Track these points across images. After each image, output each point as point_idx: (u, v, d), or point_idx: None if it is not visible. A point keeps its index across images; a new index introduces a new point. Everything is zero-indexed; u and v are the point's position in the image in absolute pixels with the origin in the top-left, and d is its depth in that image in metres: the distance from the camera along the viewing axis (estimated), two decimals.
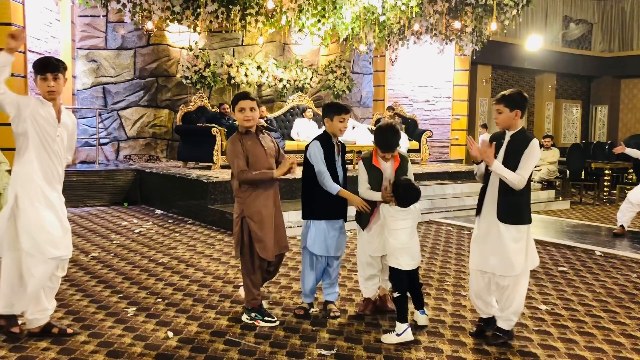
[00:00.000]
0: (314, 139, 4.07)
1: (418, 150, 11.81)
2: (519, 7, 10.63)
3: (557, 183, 11.36)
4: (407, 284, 3.74)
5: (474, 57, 13.34)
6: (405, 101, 14.25)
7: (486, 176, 3.67)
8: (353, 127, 10.90)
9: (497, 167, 3.48)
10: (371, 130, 10.94)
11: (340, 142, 4.15)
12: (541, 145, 12.15)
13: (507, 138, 3.62)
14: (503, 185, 3.52)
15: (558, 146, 13.18)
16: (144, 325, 3.78)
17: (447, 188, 9.47)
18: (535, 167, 12.24)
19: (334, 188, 3.91)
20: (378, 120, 11.93)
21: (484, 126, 13.27)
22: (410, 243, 3.71)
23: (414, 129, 12.35)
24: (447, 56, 13.42)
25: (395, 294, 3.67)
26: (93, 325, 3.76)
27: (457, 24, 11.35)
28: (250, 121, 3.84)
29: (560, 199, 10.43)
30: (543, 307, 4.33)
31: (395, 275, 3.72)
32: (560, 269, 5.54)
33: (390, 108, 12.05)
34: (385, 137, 3.84)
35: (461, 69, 13.96)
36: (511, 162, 3.50)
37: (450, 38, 11.92)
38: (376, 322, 3.96)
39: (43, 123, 3.40)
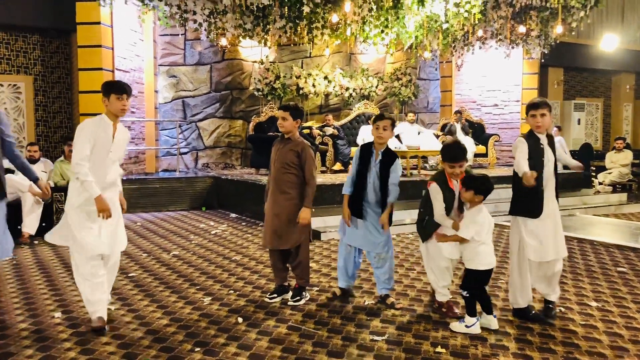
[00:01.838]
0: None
1: (485, 154, 11.85)
2: (586, 8, 10.49)
3: (633, 186, 11.06)
4: (482, 284, 3.89)
5: (543, 60, 13.20)
6: (473, 106, 14.27)
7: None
8: (419, 133, 11.12)
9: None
10: (437, 136, 11.13)
11: (384, 151, 4.43)
12: (613, 148, 11.90)
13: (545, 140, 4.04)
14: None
15: (636, 149, 12.79)
16: (218, 312, 4.26)
17: None
18: (607, 169, 11.97)
19: (344, 190, 4.54)
20: (444, 126, 12.08)
21: (559, 128, 13.10)
22: (489, 242, 3.86)
23: (481, 133, 12.40)
24: (515, 60, 13.35)
25: (465, 293, 3.87)
26: (174, 312, 4.28)
27: (522, 28, 11.34)
28: (281, 127, 4.48)
29: (634, 202, 10.17)
30: (594, 303, 4.46)
31: (472, 276, 3.87)
32: (620, 269, 5.58)
33: (457, 112, 12.17)
34: (452, 151, 4.06)
35: (530, 72, 13.83)
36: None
37: (516, 42, 11.90)
38: (427, 314, 4.24)
39: (101, 141, 3.97)
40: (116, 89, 3.99)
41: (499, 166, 12.56)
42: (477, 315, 3.83)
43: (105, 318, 3.94)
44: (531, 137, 4.04)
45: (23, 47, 10.28)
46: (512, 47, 12.29)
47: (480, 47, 12.48)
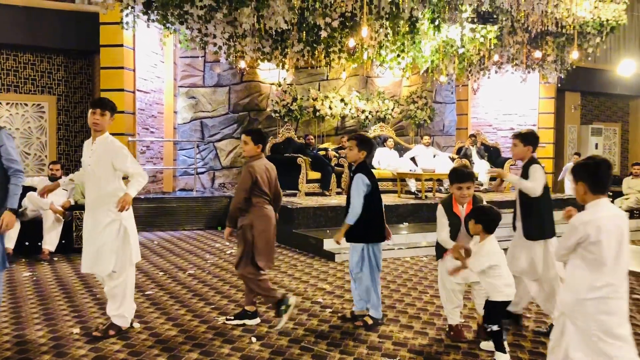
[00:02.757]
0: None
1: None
2: (602, 34, 10.55)
3: None
4: (504, 316, 3.81)
5: (560, 84, 13.23)
6: (489, 129, 14.30)
7: None
8: (434, 156, 11.17)
9: None
10: (452, 159, 11.16)
11: (353, 169, 4.57)
12: (630, 173, 11.82)
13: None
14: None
15: None
16: (232, 332, 4.32)
17: None
18: (624, 195, 11.82)
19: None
20: (460, 149, 12.12)
21: (578, 154, 13.05)
22: (505, 272, 3.76)
23: (496, 157, 12.41)
24: (532, 84, 13.40)
25: (495, 327, 3.70)
26: (189, 330, 4.35)
27: (538, 53, 11.41)
28: (243, 152, 4.68)
29: None
30: None
31: (492, 308, 3.75)
32: (635, 296, 5.54)
33: (472, 136, 12.22)
34: (459, 172, 4.15)
35: (546, 96, 13.86)
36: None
37: (532, 67, 11.97)
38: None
39: (84, 157, 4.23)
40: (90, 104, 4.23)
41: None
42: (506, 352, 3.70)
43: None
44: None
45: (48, 68, 10.57)
46: (529, 72, 12.36)
47: (496, 72, 12.56)
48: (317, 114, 11.76)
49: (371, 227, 4.48)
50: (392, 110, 12.45)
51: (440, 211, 4.17)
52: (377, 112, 12.25)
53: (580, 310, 2.81)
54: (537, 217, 4.41)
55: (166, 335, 4.23)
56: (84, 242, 4.21)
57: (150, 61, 11.03)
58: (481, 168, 11.50)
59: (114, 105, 4.29)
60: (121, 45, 9.77)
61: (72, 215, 7.51)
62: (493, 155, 12.46)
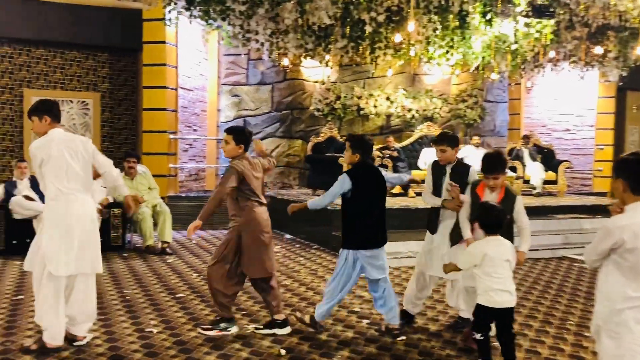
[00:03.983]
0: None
1: (555, 182, 11.19)
2: None
3: None
4: (489, 326, 3.47)
5: (621, 83, 12.43)
6: (543, 130, 13.62)
7: None
8: None
9: None
10: None
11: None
12: None
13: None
14: None
15: None
16: (261, 342, 4.06)
17: (585, 222, 8.86)
18: None
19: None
20: (511, 150, 11.54)
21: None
22: (498, 280, 3.39)
23: (551, 159, 11.74)
24: (590, 82, 12.65)
25: (478, 336, 3.44)
26: (215, 337, 4.11)
27: (598, 49, 10.71)
28: (224, 152, 4.36)
29: None
30: None
31: (478, 312, 3.47)
32: None
33: (525, 137, 11.62)
34: (489, 160, 3.87)
35: (606, 95, 13.08)
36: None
37: (592, 64, 11.26)
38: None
39: None
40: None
41: (570, 194, 11.84)
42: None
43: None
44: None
45: (93, 65, 10.63)
46: (587, 69, 11.64)
47: (551, 69, 11.90)
48: (361, 112, 11.41)
49: (351, 232, 4.22)
50: (440, 109, 11.96)
51: (467, 191, 4.08)
52: (424, 110, 11.79)
53: (615, 322, 2.52)
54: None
55: (191, 343, 4.00)
56: None
57: (194, 59, 10.95)
58: (534, 170, 10.90)
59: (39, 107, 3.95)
60: (163, 42, 9.71)
61: (110, 213, 7.43)
62: (547, 157, 11.78)
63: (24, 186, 7.21)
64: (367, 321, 4.61)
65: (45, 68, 10.32)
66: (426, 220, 4.55)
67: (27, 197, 7.02)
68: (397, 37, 9.19)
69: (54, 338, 3.74)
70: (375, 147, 10.88)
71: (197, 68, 11.08)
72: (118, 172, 4.22)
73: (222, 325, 4.18)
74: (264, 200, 4.35)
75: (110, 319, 4.50)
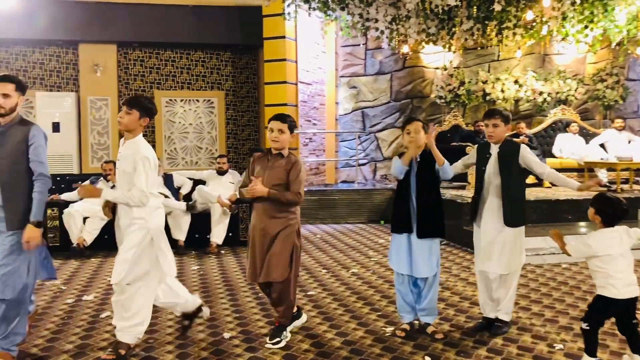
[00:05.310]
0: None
1: None
2: None
3: None
4: (607, 318, 3.33)
5: None
6: None
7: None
8: (629, 142, 9.60)
9: None
10: None
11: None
12: None
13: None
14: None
15: None
16: (402, 347, 3.79)
17: None
18: None
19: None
20: None
21: None
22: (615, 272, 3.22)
23: None
24: None
25: (584, 325, 3.27)
26: (354, 341, 3.91)
27: None
28: (275, 142, 3.79)
29: None
30: None
31: (602, 305, 3.26)
32: None
33: None
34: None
35: None
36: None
37: None
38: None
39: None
40: (122, 101, 3.73)
41: None
42: (596, 356, 3.28)
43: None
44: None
45: (216, 64, 10.92)
46: None
47: None
48: (487, 98, 10.74)
49: (393, 215, 4.08)
50: (576, 90, 10.96)
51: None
52: (557, 93, 10.86)
53: None
54: None
55: (330, 345, 3.83)
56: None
57: (312, 52, 10.91)
58: None
59: (149, 105, 3.68)
60: (283, 37, 9.74)
61: (239, 209, 7.54)
62: None
63: (158, 184, 7.50)
64: (516, 326, 4.19)
65: (173, 69, 10.77)
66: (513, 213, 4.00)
67: (161, 194, 7.28)
68: (529, 15, 8.47)
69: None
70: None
71: (315, 61, 11.03)
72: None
73: (285, 333, 3.92)
74: None
75: (246, 318, 4.45)
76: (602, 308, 3.25)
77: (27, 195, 3.37)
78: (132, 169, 3.52)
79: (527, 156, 3.97)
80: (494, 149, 4.03)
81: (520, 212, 3.98)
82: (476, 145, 4.31)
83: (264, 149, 3.87)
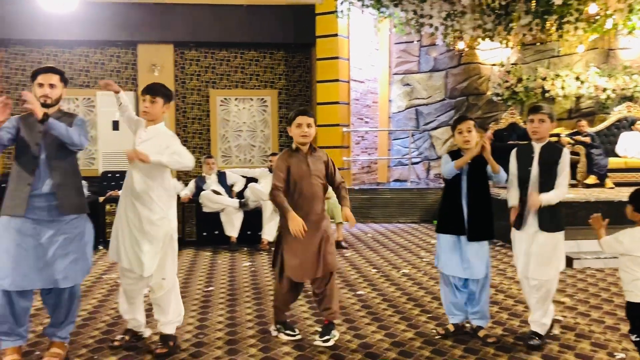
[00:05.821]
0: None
1: None
2: None
3: None
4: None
5: None
6: None
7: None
8: None
9: None
10: None
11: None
12: None
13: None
14: None
15: None
16: (452, 350, 3.70)
17: None
18: None
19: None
20: None
21: None
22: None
23: None
24: None
25: (634, 337, 3.12)
26: (403, 343, 3.84)
27: None
28: (307, 137, 3.74)
29: None
30: None
31: (633, 310, 3.15)
32: None
33: None
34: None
35: None
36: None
37: None
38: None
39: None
40: (142, 90, 3.73)
41: None
42: None
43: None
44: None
45: (270, 63, 11.02)
46: None
47: None
48: (546, 95, 10.36)
49: (441, 215, 3.99)
50: None
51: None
52: (622, 90, 10.37)
53: None
54: None
55: (378, 347, 3.78)
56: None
57: (365, 50, 10.83)
58: None
59: (169, 91, 3.74)
60: (336, 35, 9.71)
61: None
62: None
63: (212, 181, 7.62)
64: (574, 332, 4.02)
65: (227, 69, 10.93)
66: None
67: (215, 192, 7.41)
68: (592, 8, 8.12)
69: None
70: (564, 132, 9.83)
71: (368, 59, 10.95)
72: None
73: (334, 332, 3.89)
74: None
75: (295, 315, 4.45)
76: (636, 315, 3.13)
77: (77, 179, 3.48)
78: (165, 147, 3.59)
79: (564, 162, 3.74)
80: (537, 149, 3.80)
81: (558, 217, 3.76)
82: (512, 151, 3.95)
83: (290, 147, 3.83)
